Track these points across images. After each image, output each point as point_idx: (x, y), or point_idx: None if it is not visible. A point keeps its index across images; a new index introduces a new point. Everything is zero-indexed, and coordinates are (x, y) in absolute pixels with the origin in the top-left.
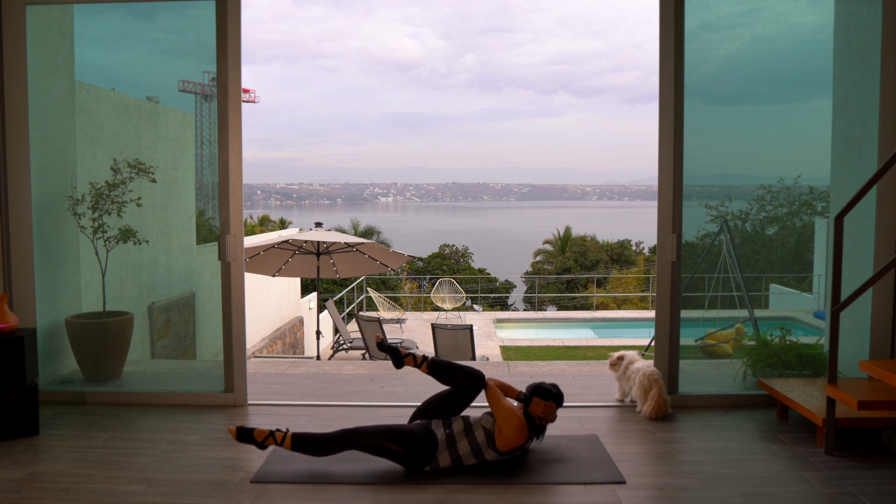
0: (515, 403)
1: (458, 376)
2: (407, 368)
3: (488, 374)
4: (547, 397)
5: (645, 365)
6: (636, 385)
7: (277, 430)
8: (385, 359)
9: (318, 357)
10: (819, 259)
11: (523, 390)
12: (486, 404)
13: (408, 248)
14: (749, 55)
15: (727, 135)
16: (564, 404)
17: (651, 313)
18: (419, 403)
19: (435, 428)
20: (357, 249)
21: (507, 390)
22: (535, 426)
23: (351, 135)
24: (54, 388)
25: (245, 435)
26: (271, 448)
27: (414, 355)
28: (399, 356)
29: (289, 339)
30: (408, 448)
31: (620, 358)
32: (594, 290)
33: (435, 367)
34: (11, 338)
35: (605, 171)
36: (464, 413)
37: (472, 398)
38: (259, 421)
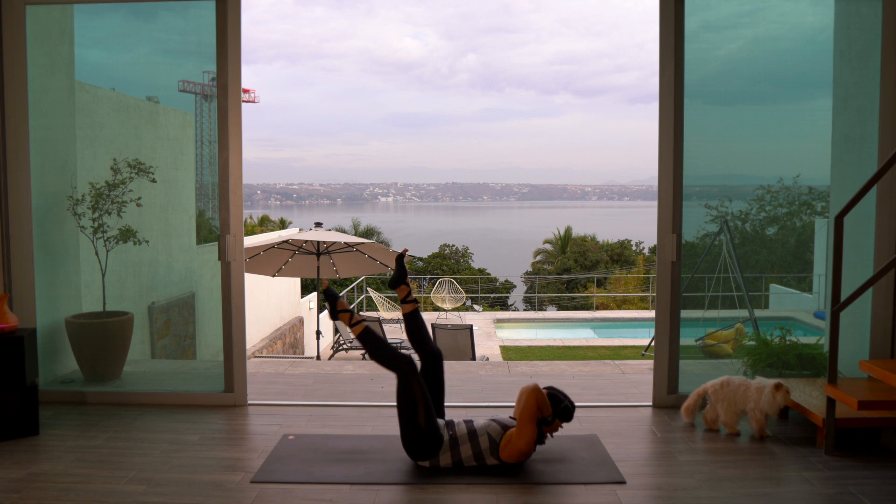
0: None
1: (385, 359)
2: None
3: (489, 373)
4: (567, 419)
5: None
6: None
7: (356, 315)
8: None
9: (318, 357)
10: (819, 259)
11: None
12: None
13: (408, 248)
14: (750, 55)
15: (727, 135)
16: None
17: (651, 313)
18: None
19: (440, 429)
20: (357, 249)
21: (544, 407)
22: (542, 439)
23: (351, 135)
24: (54, 388)
25: (331, 296)
26: (273, 444)
27: (352, 314)
28: (336, 311)
29: (289, 339)
30: (405, 443)
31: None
32: (594, 291)
33: (364, 336)
34: (11, 338)
35: (605, 171)
36: (468, 418)
37: (416, 382)
38: (259, 420)
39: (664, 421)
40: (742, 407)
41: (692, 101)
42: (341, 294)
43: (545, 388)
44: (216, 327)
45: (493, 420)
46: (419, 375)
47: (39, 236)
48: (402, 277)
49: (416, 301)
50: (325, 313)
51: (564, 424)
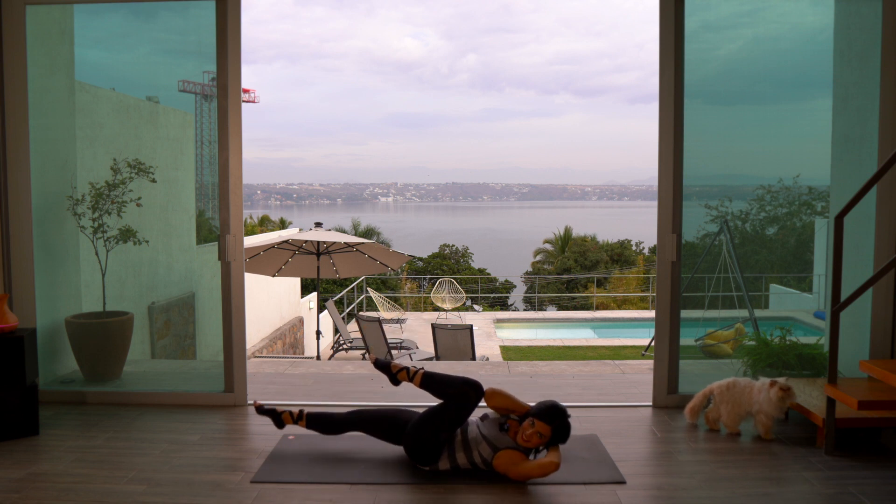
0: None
1: (452, 389)
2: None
3: (489, 373)
4: (564, 443)
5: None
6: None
7: (291, 412)
8: (385, 357)
9: (318, 357)
10: (819, 259)
11: (532, 406)
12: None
13: (408, 248)
14: (750, 55)
15: (727, 135)
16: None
17: (651, 313)
18: (419, 403)
19: None
20: (357, 249)
21: (514, 406)
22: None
23: (351, 135)
24: (54, 388)
25: (383, 365)
26: (273, 444)
27: (407, 369)
28: (392, 374)
29: (289, 339)
30: (412, 444)
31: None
32: (594, 290)
33: (427, 381)
34: (11, 338)
35: (605, 171)
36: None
37: (471, 411)
38: (259, 420)
39: (664, 421)
40: (747, 409)
41: (692, 101)
42: (339, 295)
43: (544, 412)
44: (216, 327)
45: (484, 436)
46: (478, 403)
47: (39, 236)
48: (392, 376)
49: (418, 370)
50: (325, 313)
51: None
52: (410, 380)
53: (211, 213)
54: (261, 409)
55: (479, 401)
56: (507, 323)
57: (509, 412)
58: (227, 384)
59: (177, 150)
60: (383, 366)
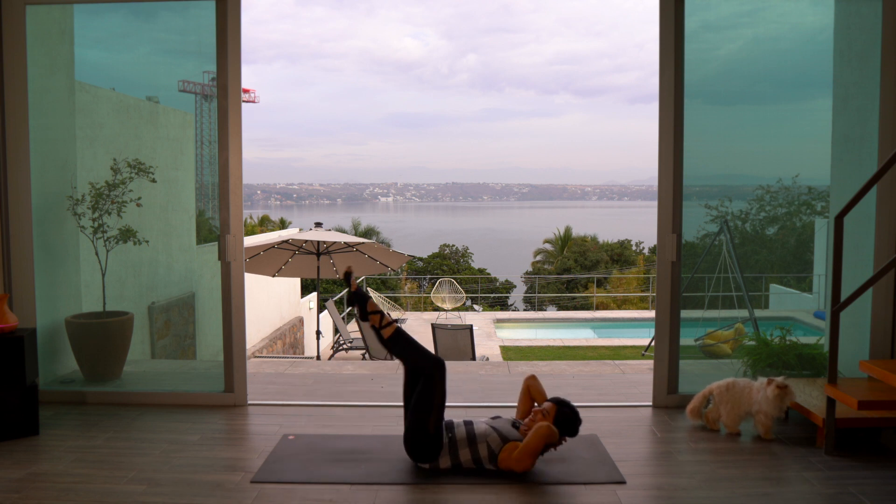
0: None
1: (420, 360)
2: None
3: (489, 373)
4: (573, 436)
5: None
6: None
7: (387, 316)
8: (385, 358)
9: (318, 357)
10: (819, 259)
11: (550, 399)
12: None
13: (408, 248)
14: (750, 55)
15: (727, 135)
16: None
17: (651, 313)
18: None
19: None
20: (357, 249)
21: (538, 396)
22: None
23: (351, 135)
24: (54, 388)
25: (361, 297)
26: (273, 444)
27: (382, 315)
28: (366, 312)
29: (289, 339)
30: (409, 437)
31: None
32: (594, 290)
33: (397, 338)
34: (11, 338)
35: (605, 171)
36: (466, 419)
37: (440, 386)
38: (259, 420)
39: (664, 421)
40: (747, 409)
41: (692, 101)
42: (339, 295)
43: (555, 399)
44: (216, 327)
45: (494, 427)
46: (445, 382)
47: (39, 236)
48: (364, 311)
49: (391, 322)
50: (325, 313)
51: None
52: (381, 328)
53: (211, 213)
54: (358, 293)
55: (443, 377)
56: (507, 323)
57: (534, 400)
58: (227, 384)
59: (177, 150)
60: (361, 298)
